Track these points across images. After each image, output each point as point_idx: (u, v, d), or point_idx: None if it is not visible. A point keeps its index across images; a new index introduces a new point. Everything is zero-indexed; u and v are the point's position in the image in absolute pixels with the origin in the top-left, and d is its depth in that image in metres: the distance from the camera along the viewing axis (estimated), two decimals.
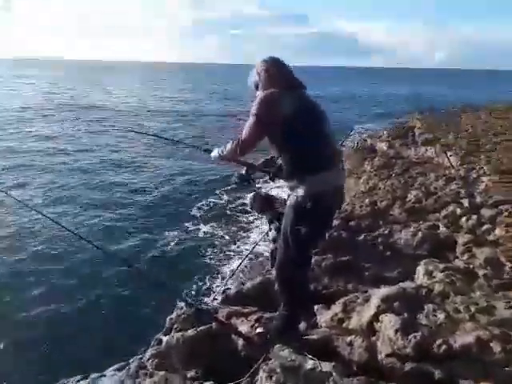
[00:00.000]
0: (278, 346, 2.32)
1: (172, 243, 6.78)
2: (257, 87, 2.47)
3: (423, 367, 2.08)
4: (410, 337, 2.34)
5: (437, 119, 14.09)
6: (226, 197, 9.01)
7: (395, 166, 8.15)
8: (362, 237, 4.59)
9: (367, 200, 5.79)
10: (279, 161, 2.44)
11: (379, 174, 7.65)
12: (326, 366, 2.07)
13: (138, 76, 74.43)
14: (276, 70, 2.42)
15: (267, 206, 3.81)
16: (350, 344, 2.37)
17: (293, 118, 2.22)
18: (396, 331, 2.42)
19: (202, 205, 8.70)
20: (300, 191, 2.26)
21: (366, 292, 3.21)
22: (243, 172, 2.96)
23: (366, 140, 12.49)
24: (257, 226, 7.29)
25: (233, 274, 4.23)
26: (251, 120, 2.29)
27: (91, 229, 7.18)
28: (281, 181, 2.70)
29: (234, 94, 30.92)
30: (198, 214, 8.23)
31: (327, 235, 4.13)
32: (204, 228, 7.51)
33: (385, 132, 12.95)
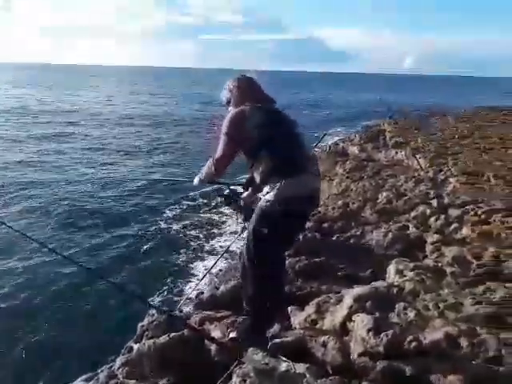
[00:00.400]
0: (251, 349, 2.29)
1: (142, 243, 6.64)
2: (228, 103, 2.64)
3: (395, 364, 2.10)
4: (381, 335, 2.36)
5: (407, 123, 14.49)
6: (200, 199, 8.89)
7: (367, 168, 8.30)
8: (334, 238, 4.65)
9: (340, 202, 5.86)
10: (253, 172, 2.51)
11: (351, 176, 7.77)
12: (300, 368, 2.06)
13: (110, 80, 73.18)
14: (247, 87, 2.62)
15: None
16: (324, 345, 2.37)
17: (261, 130, 2.36)
18: (368, 330, 2.44)
19: (175, 206, 8.54)
20: (269, 196, 2.32)
21: (339, 292, 3.23)
22: (226, 192, 2.93)
23: (337, 144, 12.66)
24: (230, 225, 7.27)
25: (203, 277, 4.18)
26: (222, 139, 2.46)
27: (55, 236, 6.91)
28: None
29: (208, 98, 30.84)
30: (171, 214, 8.08)
31: (300, 237, 4.15)
32: (176, 226, 7.39)
33: (356, 136, 13.20)
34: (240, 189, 2.93)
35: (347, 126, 20.99)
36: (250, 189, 2.81)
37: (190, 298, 3.83)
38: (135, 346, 2.68)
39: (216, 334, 2.63)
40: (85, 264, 5.08)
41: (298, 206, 2.33)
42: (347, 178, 7.80)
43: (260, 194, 2.50)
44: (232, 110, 2.53)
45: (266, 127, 2.37)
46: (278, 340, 2.43)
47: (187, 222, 7.54)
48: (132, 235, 7.04)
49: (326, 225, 5.03)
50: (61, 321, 4.44)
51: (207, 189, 7.46)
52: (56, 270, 5.47)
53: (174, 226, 7.45)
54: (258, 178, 2.42)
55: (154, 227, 7.39)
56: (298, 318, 2.96)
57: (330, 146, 12.48)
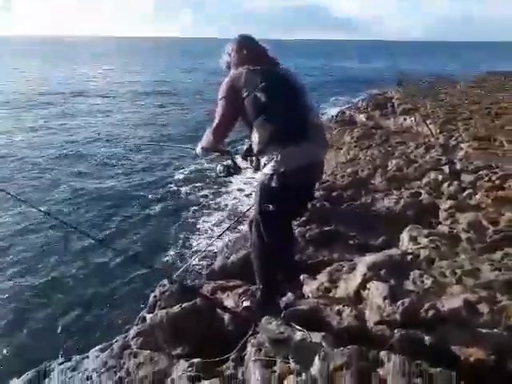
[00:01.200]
0: (265, 318, 2.26)
1: (153, 208, 6.67)
2: (229, 68, 2.44)
3: (413, 333, 2.05)
4: (398, 303, 2.31)
5: (414, 90, 14.15)
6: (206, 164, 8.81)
7: (375, 136, 8.13)
8: (344, 206, 4.57)
9: (348, 170, 5.75)
10: (250, 140, 2.35)
11: (359, 144, 7.62)
12: (316, 337, 2.02)
13: (115, 53, 71.74)
14: (247, 49, 2.40)
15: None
16: (339, 313, 2.33)
17: (260, 93, 2.16)
18: (384, 298, 2.39)
19: (184, 170, 8.60)
20: (268, 169, 2.18)
21: (352, 261, 3.18)
22: (226, 162, 2.65)
23: (344, 112, 12.41)
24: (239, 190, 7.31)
25: (210, 245, 4.14)
26: (219, 104, 2.26)
27: (63, 205, 6.91)
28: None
29: (213, 69, 30.26)
30: (181, 177, 8.14)
31: (309, 207, 4.05)
32: (185, 188, 7.45)
33: (363, 103, 12.92)
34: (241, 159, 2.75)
35: (353, 94, 20.57)
36: (248, 159, 2.67)
37: (201, 267, 3.81)
38: (148, 317, 2.65)
39: (229, 303, 2.60)
40: (94, 233, 5.11)
41: (300, 177, 2.18)
42: (355, 146, 7.65)
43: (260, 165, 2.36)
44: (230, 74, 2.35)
45: (265, 91, 2.16)
46: (291, 309, 2.39)
47: (197, 184, 7.61)
48: (142, 201, 7.09)
49: (335, 193, 4.94)
50: (73, 293, 4.47)
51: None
52: (65, 242, 5.48)
53: (183, 188, 7.56)
54: (255, 148, 2.25)
55: (163, 190, 7.49)
56: (310, 286, 2.92)
57: (336, 115, 12.25)
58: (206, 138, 2.41)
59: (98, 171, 8.95)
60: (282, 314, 2.34)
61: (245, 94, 2.18)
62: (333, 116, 12.36)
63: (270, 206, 2.24)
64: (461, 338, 1.98)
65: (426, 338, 2.03)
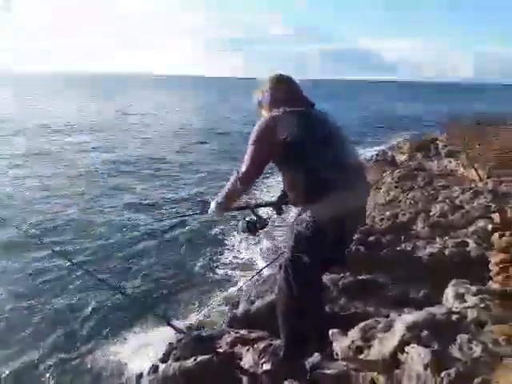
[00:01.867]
0: (288, 382, 2.00)
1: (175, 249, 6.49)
2: (261, 105, 2.34)
3: None
4: (442, 374, 1.99)
5: (461, 132, 13.63)
6: None
7: (417, 177, 7.77)
8: (382, 253, 4.24)
9: (388, 213, 5.44)
10: (283, 185, 2.23)
11: (400, 185, 7.29)
12: None
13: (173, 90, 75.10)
14: (281, 89, 2.27)
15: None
16: (372, 382, 2.03)
17: (295, 139, 2.01)
18: (425, 366, 2.08)
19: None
20: (304, 217, 2.02)
21: (388, 316, 2.87)
22: (250, 218, 2.40)
23: (386, 151, 12.10)
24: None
25: (238, 289, 3.93)
26: (249, 149, 2.12)
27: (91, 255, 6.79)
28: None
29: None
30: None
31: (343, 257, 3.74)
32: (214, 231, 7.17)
33: (406, 143, 12.55)
34: (264, 212, 2.53)
35: (397, 135, 20.20)
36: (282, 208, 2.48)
37: (223, 311, 3.60)
38: (161, 367, 2.46)
39: (247, 360, 2.36)
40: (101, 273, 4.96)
41: (338, 228, 2.01)
42: (396, 187, 7.33)
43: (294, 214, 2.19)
44: (263, 116, 2.24)
45: (301, 136, 2.01)
46: (318, 372, 2.12)
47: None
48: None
49: (372, 238, 4.62)
50: (85, 336, 4.34)
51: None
52: (71, 281, 5.39)
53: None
54: (290, 196, 2.11)
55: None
56: (340, 343, 2.63)
57: (377, 154, 11.96)
58: (231, 187, 2.21)
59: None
60: (308, 376, 2.08)
61: (280, 139, 2.02)
62: (373, 156, 12.07)
63: (304, 258, 2.05)
64: None
65: None
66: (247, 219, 2.39)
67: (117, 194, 9.97)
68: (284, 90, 2.26)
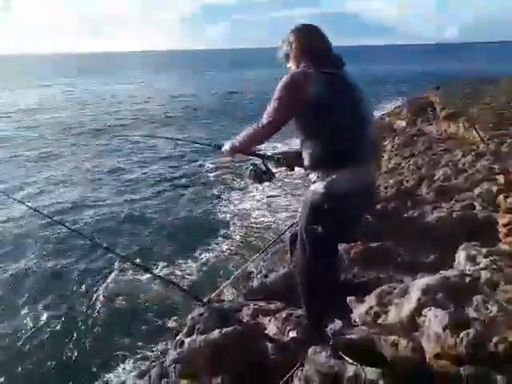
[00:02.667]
0: (312, 349, 2.08)
1: (184, 220, 6.57)
2: (288, 58, 2.16)
3: (483, 371, 1.81)
4: (461, 334, 2.07)
5: (456, 93, 13.52)
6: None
7: (417, 143, 7.76)
8: (390, 220, 4.30)
9: (391, 181, 5.48)
10: (300, 147, 2.12)
11: (401, 152, 7.30)
12: (371, 374, 1.82)
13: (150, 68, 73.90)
14: (310, 42, 2.09)
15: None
16: (394, 345, 2.11)
17: (322, 102, 1.92)
18: (444, 327, 2.15)
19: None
20: (320, 188, 1.99)
21: (402, 282, 2.94)
22: (259, 167, 2.39)
23: (383, 118, 12.03)
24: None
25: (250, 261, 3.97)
26: (274, 104, 2.01)
27: (98, 226, 6.94)
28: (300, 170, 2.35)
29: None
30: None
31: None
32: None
33: (404, 109, 12.47)
34: (273, 165, 2.50)
35: (392, 100, 20.05)
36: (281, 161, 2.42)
37: (239, 285, 3.67)
38: (186, 341, 2.53)
39: (271, 329, 2.43)
40: (122, 251, 5.06)
41: (354, 201, 1.99)
42: (396, 154, 7.35)
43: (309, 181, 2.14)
44: (290, 70, 2.09)
45: (331, 99, 1.92)
46: (341, 338, 2.19)
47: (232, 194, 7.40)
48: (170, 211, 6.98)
49: (378, 206, 4.68)
50: (106, 313, 4.44)
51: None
52: (94, 259, 5.48)
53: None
54: (306, 160, 2.03)
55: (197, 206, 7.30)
56: (358, 310, 2.71)
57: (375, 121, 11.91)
58: (248, 134, 2.15)
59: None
60: (331, 343, 2.15)
61: (306, 98, 1.93)
62: None
63: (319, 229, 2.05)
64: None
65: (499, 377, 1.79)
66: (256, 167, 2.39)
67: None
68: (314, 43, 2.09)
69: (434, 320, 2.25)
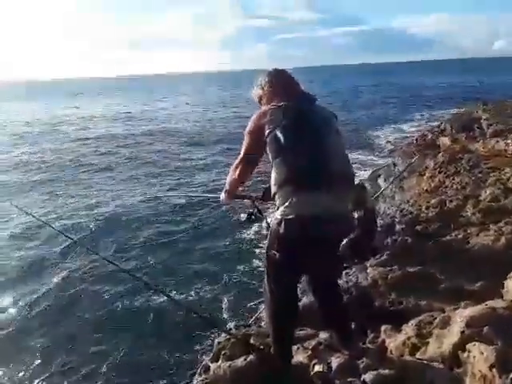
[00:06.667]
0: (341, 382, 1.93)
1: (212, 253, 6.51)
2: (261, 101, 2.32)
3: None
4: (510, 375, 1.86)
5: (505, 108, 12.86)
6: None
7: (462, 161, 7.38)
8: (431, 243, 4.06)
9: (433, 200, 5.19)
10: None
11: (445, 170, 6.95)
12: None
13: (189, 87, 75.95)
14: (279, 83, 2.27)
15: None
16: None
17: (280, 132, 2.01)
18: (491, 367, 1.95)
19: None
20: (278, 213, 2.00)
21: (444, 311, 2.73)
22: (250, 210, 2.61)
23: (426, 135, 11.61)
24: None
25: None
26: (244, 139, 2.22)
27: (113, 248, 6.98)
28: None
29: None
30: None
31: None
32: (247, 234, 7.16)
33: (447, 125, 11.99)
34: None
35: (434, 115, 19.45)
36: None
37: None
38: (212, 367, 2.45)
39: (299, 359, 2.30)
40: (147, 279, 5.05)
41: (312, 228, 1.94)
42: (439, 172, 7.00)
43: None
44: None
45: (285, 129, 2.00)
46: (373, 373, 2.03)
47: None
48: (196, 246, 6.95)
49: (419, 227, 4.44)
50: (131, 338, 4.45)
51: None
52: (121, 287, 5.51)
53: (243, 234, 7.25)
54: (272, 189, 2.07)
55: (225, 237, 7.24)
56: (394, 340, 2.53)
57: (416, 138, 11.50)
58: (229, 178, 2.36)
59: None
60: (362, 379, 2.00)
61: (267, 132, 2.05)
62: (413, 140, 11.64)
63: (276, 254, 2.05)
64: None
65: None
66: (247, 211, 2.61)
67: None
68: (282, 83, 2.27)
69: (480, 357, 2.05)
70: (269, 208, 2.69)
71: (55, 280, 5.89)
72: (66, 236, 3.80)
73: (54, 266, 6.32)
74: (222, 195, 2.48)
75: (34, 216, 3.58)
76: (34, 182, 11.82)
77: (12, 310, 5.19)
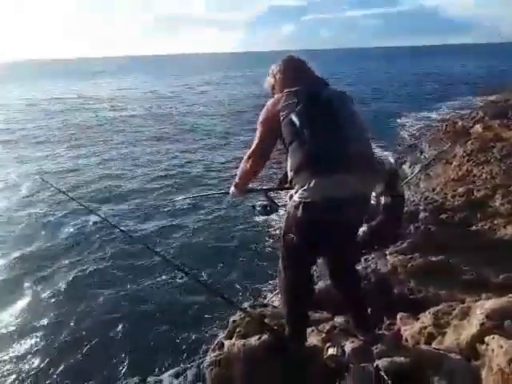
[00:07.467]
0: (354, 367, 1.93)
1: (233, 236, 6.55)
2: (273, 90, 2.29)
3: None
4: None
5: None
6: None
7: (494, 149, 7.11)
8: (456, 232, 3.95)
9: (460, 189, 5.05)
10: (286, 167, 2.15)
11: (474, 158, 6.72)
12: None
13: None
14: (292, 70, 2.24)
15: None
16: (451, 373, 1.89)
17: (295, 116, 1.98)
18: (509, 361, 1.89)
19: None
20: (296, 197, 1.97)
21: (464, 302, 2.67)
22: (264, 201, 2.54)
23: (456, 122, 11.22)
24: None
25: None
26: (257, 129, 2.18)
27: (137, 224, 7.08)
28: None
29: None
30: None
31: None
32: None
33: (479, 112, 11.56)
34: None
35: (466, 101, 18.75)
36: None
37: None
38: (226, 344, 2.48)
39: (313, 341, 2.30)
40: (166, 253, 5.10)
41: (330, 211, 1.91)
42: (468, 160, 6.77)
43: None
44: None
45: (301, 114, 1.96)
46: (386, 360, 2.01)
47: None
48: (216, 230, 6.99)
49: (444, 216, 4.33)
50: (148, 313, 4.55)
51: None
52: (140, 262, 5.63)
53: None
54: (288, 176, 2.05)
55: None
56: (410, 328, 2.50)
57: (446, 125, 11.14)
58: (241, 170, 2.30)
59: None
60: (375, 365, 1.98)
61: (282, 118, 2.02)
62: (442, 126, 11.27)
63: (293, 237, 2.04)
64: None
65: None
66: (260, 203, 2.51)
67: None
68: (295, 71, 2.23)
69: (499, 351, 2.00)
70: (282, 198, 2.66)
71: (83, 254, 6.12)
72: (93, 212, 3.82)
73: (80, 243, 6.52)
74: (232, 189, 2.43)
75: (59, 190, 3.63)
76: (63, 156, 12.18)
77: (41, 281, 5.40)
